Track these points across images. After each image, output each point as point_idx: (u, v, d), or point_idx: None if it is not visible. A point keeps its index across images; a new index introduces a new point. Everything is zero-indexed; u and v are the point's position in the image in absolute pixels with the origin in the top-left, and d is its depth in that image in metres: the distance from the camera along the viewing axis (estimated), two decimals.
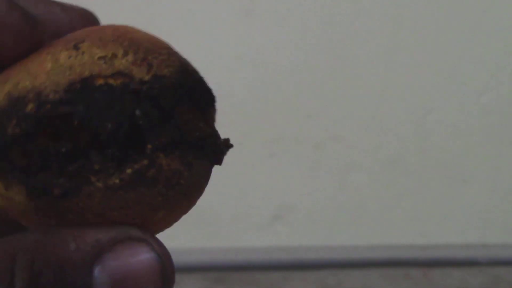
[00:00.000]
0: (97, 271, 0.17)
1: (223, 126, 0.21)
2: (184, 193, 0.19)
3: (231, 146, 0.20)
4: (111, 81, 0.18)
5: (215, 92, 0.20)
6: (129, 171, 0.18)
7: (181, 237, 0.76)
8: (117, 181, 0.17)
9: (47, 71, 0.18)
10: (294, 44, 0.74)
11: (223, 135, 0.20)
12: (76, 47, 0.18)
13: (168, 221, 0.19)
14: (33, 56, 0.19)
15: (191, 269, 0.77)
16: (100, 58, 0.18)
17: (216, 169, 0.20)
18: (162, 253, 0.18)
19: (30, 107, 0.18)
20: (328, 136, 0.78)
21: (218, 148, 0.19)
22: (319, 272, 0.80)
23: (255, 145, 0.76)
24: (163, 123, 0.18)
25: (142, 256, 0.18)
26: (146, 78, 0.18)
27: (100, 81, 0.18)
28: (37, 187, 0.17)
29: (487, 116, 0.79)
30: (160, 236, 0.19)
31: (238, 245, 0.80)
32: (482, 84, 0.78)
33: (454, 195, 0.82)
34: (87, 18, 0.21)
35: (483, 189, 0.83)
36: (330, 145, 0.78)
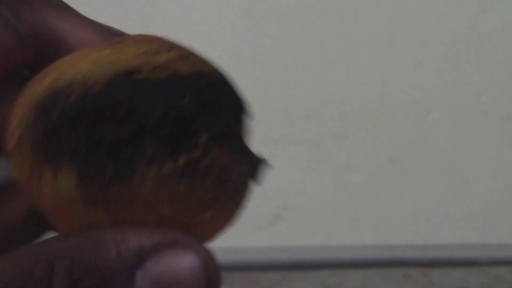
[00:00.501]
0: (139, 277, 0.17)
1: None
2: (232, 192, 0.18)
3: (267, 164, 0.19)
4: (156, 73, 0.18)
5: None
6: (182, 160, 0.17)
7: None
8: (170, 170, 0.17)
9: (91, 63, 0.18)
10: (294, 43, 0.74)
11: None
12: (117, 46, 0.18)
13: (214, 226, 0.19)
14: (72, 55, 0.19)
15: None
16: (143, 53, 0.18)
17: None
18: (208, 261, 0.18)
19: (73, 97, 0.17)
20: (328, 136, 0.78)
21: (258, 163, 0.19)
22: (319, 272, 0.80)
23: (255, 145, 0.76)
24: (214, 114, 0.18)
25: (187, 263, 0.17)
26: (192, 71, 0.18)
27: (145, 74, 0.18)
28: (90, 167, 0.17)
29: (487, 116, 0.79)
30: None
31: (238, 245, 0.80)
32: (482, 84, 0.78)
33: (454, 195, 0.82)
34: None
35: (483, 189, 0.83)
36: (330, 145, 0.78)
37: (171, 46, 0.19)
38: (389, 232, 0.83)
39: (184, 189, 0.17)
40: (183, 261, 0.17)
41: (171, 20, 0.71)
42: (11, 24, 0.18)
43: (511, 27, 0.77)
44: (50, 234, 0.21)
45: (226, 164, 0.18)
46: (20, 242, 0.21)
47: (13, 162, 0.18)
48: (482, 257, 0.84)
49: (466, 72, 0.77)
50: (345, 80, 0.76)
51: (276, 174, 0.83)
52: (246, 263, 0.79)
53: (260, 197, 0.80)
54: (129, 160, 0.17)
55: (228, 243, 0.83)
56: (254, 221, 0.80)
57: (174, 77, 0.18)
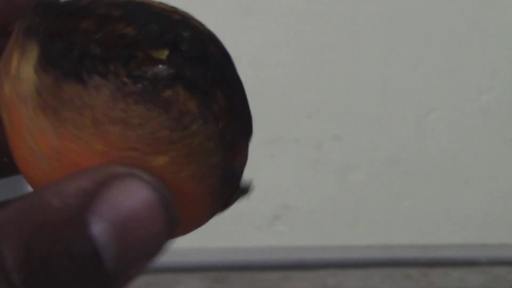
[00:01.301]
0: (93, 222, 0.16)
1: None
2: (192, 150, 0.17)
3: (246, 192, 0.19)
4: (167, 13, 0.18)
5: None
6: (145, 81, 0.17)
7: (181, 237, 0.76)
8: (129, 88, 0.16)
9: None
10: (294, 43, 0.74)
11: None
12: None
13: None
14: None
15: (191, 269, 0.77)
16: (162, 3, 0.19)
17: None
18: (156, 183, 0.16)
19: (84, 1, 0.17)
20: (328, 136, 0.78)
21: (237, 189, 0.18)
22: (319, 272, 0.80)
23: (255, 145, 0.76)
24: (201, 64, 0.18)
25: (135, 193, 0.16)
26: (204, 28, 0.18)
27: (157, 9, 0.18)
28: (52, 55, 0.16)
29: (487, 116, 0.79)
30: None
31: (238, 245, 0.80)
32: (482, 84, 0.78)
33: (454, 195, 0.82)
34: None
35: (483, 189, 0.83)
36: (330, 145, 0.78)
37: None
38: (389, 232, 0.83)
39: (139, 113, 0.16)
40: (131, 191, 0.16)
41: None
42: None
43: (511, 27, 0.77)
44: None
45: (189, 109, 0.17)
46: None
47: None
48: (482, 257, 0.84)
49: (466, 72, 0.77)
50: (345, 80, 0.76)
51: (276, 174, 0.83)
52: (246, 263, 0.79)
53: (260, 197, 0.80)
54: (91, 68, 0.17)
55: (228, 243, 0.83)
56: (254, 221, 0.80)
57: (183, 20, 0.18)
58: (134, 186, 0.16)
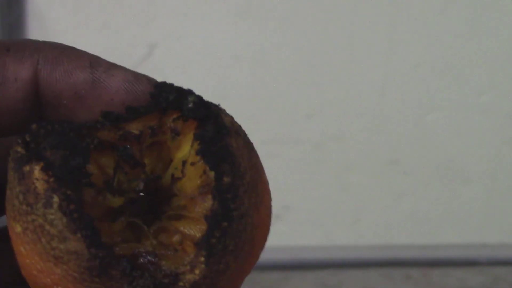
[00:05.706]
0: None
1: None
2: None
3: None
4: None
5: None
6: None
7: None
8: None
9: None
10: (294, 43, 0.74)
11: None
12: None
13: None
14: None
15: None
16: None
17: None
18: None
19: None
20: (328, 136, 0.78)
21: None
22: (319, 272, 0.80)
23: (255, 145, 0.76)
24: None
25: None
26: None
27: None
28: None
29: (487, 116, 0.79)
30: None
31: None
32: (482, 84, 0.78)
33: (454, 195, 0.82)
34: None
35: (483, 189, 0.83)
36: (330, 145, 0.78)
37: None
38: (389, 232, 0.83)
39: None
40: None
41: (172, 20, 0.71)
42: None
43: (511, 27, 0.77)
44: None
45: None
46: None
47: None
48: (482, 257, 0.84)
49: (466, 72, 0.77)
50: (345, 80, 0.76)
51: (276, 174, 0.83)
52: None
53: None
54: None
55: None
56: None
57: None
58: None
